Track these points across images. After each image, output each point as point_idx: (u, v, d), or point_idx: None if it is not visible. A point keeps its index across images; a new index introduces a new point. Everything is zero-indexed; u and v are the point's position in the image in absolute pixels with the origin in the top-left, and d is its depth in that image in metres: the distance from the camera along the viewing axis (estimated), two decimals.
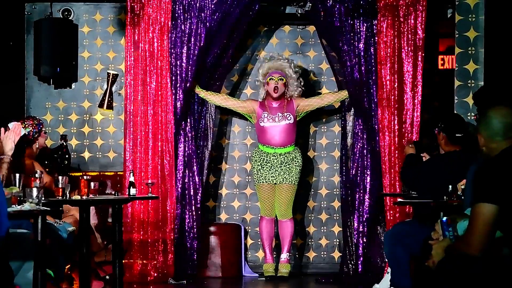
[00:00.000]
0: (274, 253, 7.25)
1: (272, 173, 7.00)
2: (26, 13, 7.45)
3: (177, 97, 6.97)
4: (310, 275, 7.34)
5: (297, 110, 7.08)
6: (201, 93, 7.06)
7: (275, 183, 7.03)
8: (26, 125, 5.72)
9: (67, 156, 6.07)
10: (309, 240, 7.56)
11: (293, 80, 7.07)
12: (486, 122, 3.52)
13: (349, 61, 6.92)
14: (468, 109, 6.89)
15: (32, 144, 5.76)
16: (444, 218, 3.66)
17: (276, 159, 7.01)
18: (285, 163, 7.01)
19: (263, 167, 7.02)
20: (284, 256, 7.08)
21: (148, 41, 6.99)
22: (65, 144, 6.12)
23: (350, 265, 6.94)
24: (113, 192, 6.17)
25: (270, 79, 7.02)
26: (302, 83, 7.15)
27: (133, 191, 5.96)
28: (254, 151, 7.16)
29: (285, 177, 7.00)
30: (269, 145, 7.03)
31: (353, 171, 7.00)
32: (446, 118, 5.59)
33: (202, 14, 6.95)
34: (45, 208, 4.38)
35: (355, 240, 6.93)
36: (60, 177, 5.21)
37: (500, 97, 5.69)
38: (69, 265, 5.80)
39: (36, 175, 4.90)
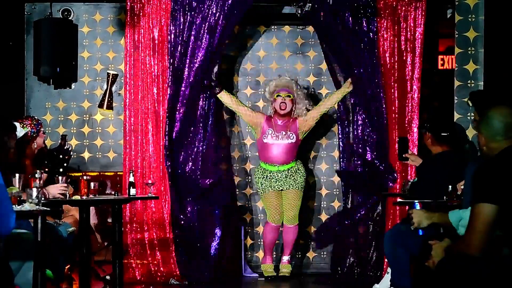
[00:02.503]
0: (274, 253, 7.25)
1: (277, 183, 7.07)
2: (26, 13, 7.45)
3: (177, 97, 6.97)
4: (310, 275, 7.34)
5: (300, 128, 7.09)
6: (218, 90, 7.03)
7: (282, 189, 7.07)
8: (25, 125, 5.72)
9: (66, 158, 6.00)
10: (309, 240, 7.55)
11: (300, 99, 7.07)
12: (486, 122, 3.52)
13: (349, 61, 6.92)
14: (468, 109, 6.88)
15: (30, 143, 5.74)
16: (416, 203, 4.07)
17: (280, 173, 7.07)
18: (289, 175, 7.07)
19: (267, 180, 7.08)
20: (286, 258, 7.15)
21: (148, 41, 6.99)
22: (71, 148, 6.06)
23: (349, 265, 6.94)
24: (113, 192, 6.18)
25: (277, 96, 7.04)
26: (310, 104, 7.13)
27: (133, 191, 5.97)
28: (256, 169, 7.20)
29: (291, 183, 7.06)
30: (271, 163, 7.07)
31: (352, 170, 7.01)
32: (432, 117, 5.59)
33: (202, 14, 6.94)
34: (45, 208, 4.38)
35: (352, 239, 6.95)
36: (60, 177, 5.21)
37: (498, 97, 5.68)
38: (68, 265, 5.80)
39: (36, 175, 4.90)
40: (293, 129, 7.08)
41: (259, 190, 7.15)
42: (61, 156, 5.90)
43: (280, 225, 7.09)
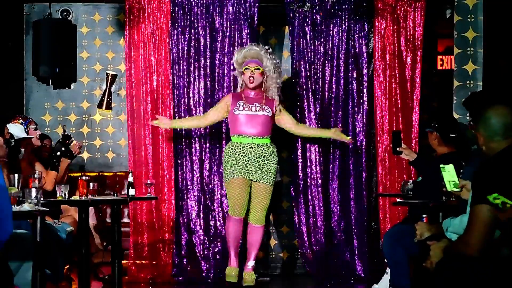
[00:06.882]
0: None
1: (248, 168, 6.28)
2: (25, 13, 7.45)
3: (176, 97, 6.97)
4: (308, 275, 7.32)
5: (275, 110, 6.45)
6: (175, 123, 6.70)
7: (251, 179, 6.31)
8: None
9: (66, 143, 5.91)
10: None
11: (271, 72, 6.38)
12: (485, 122, 3.50)
13: (348, 62, 6.93)
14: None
15: (25, 142, 5.70)
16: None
17: (253, 150, 6.29)
18: (263, 157, 6.30)
19: (238, 161, 6.28)
20: (251, 264, 6.39)
21: (147, 42, 6.99)
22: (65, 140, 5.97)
23: (348, 264, 6.95)
24: (112, 193, 6.17)
25: (245, 69, 6.35)
26: (281, 75, 6.54)
27: (132, 191, 5.96)
28: (226, 146, 6.45)
29: (262, 176, 6.29)
30: (244, 135, 6.31)
31: (350, 170, 7.01)
32: (440, 118, 5.58)
33: (201, 15, 6.95)
34: (44, 208, 4.38)
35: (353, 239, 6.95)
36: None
37: (492, 99, 5.67)
38: (67, 266, 5.80)
39: (35, 175, 4.89)
40: (269, 104, 6.40)
41: (225, 172, 6.34)
42: (60, 141, 5.84)
43: (242, 218, 6.32)
